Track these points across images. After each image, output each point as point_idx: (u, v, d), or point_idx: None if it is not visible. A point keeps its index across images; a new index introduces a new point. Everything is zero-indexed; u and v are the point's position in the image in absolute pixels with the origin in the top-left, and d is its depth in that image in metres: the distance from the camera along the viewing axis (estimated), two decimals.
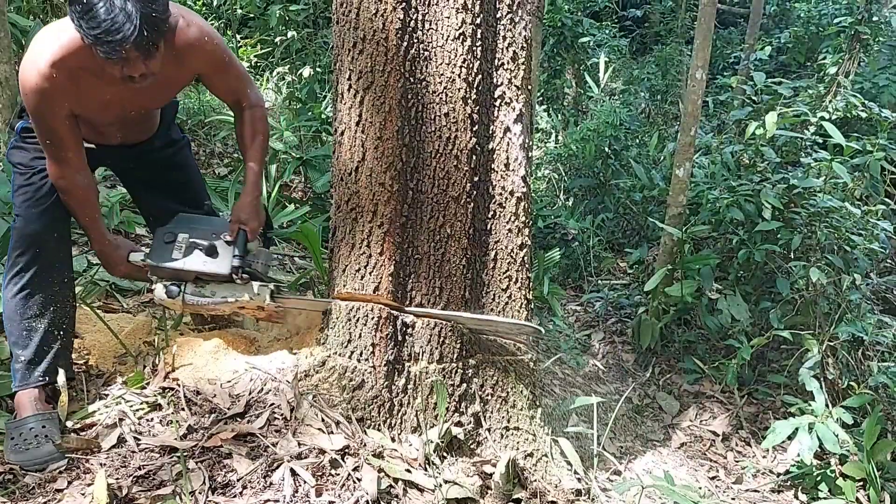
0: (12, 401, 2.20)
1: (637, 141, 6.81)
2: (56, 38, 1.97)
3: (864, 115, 4.04)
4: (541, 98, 8.34)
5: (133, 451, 2.07)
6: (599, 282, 5.45)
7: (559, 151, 6.74)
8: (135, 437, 2.12)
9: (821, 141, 4.23)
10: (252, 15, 7.06)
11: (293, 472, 2.03)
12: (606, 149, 6.28)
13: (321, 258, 3.02)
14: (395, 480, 2.17)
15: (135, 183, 2.58)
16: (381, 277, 2.25)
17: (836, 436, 2.93)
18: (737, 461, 3.40)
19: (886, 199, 4.12)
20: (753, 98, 4.55)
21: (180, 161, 2.53)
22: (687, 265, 3.91)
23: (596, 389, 3.89)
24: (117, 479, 1.97)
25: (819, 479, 3.05)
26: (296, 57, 6.19)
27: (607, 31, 8.73)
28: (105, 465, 2.03)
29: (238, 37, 7.40)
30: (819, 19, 9.43)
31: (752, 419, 3.71)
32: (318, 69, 5.37)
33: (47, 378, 2.17)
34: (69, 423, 2.17)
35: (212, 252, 2.23)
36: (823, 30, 8.62)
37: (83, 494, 1.91)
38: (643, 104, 8.73)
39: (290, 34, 5.83)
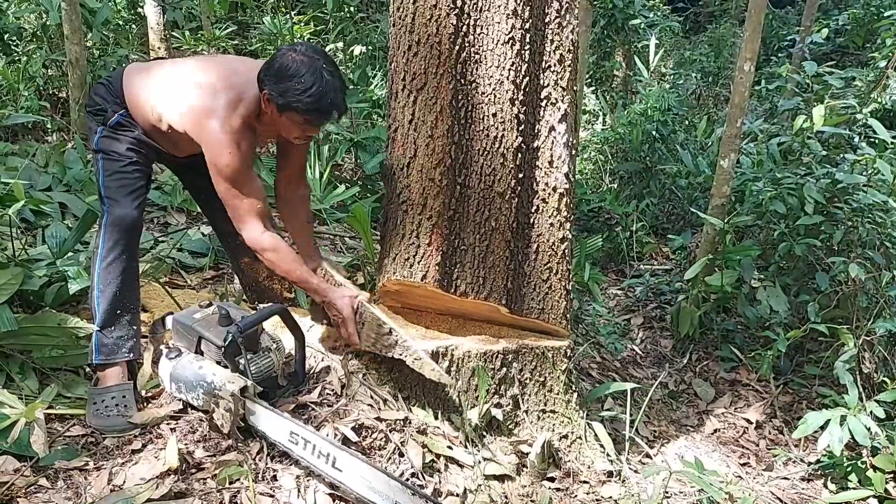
0: (91, 370, 2.41)
1: (685, 124, 6.80)
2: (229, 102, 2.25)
3: None
4: (589, 80, 8.34)
5: (200, 419, 2.27)
6: (641, 267, 5.52)
7: (606, 135, 6.77)
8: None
9: (868, 133, 4.21)
10: None
11: (346, 441, 2.20)
12: (654, 133, 6.30)
13: (371, 241, 3.17)
14: (438, 456, 2.33)
15: (191, 186, 2.81)
16: (429, 267, 2.39)
17: (868, 429, 2.99)
18: (769, 449, 3.48)
19: None
20: (803, 87, 4.55)
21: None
22: (728, 255, 3.97)
23: (633, 374, 4.00)
24: (186, 444, 2.17)
25: (849, 469, 3.12)
26: (348, 38, 6.33)
27: (659, 12, 8.63)
28: (174, 430, 2.24)
29: (292, 13, 7.55)
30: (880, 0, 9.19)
31: (787, 409, 3.78)
32: (371, 52, 5.50)
33: (131, 355, 2.36)
34: (142, 393, 2.37)
35: None
36: (883, 11, 8.39)
37: (156, 457, 2.11)
38: (694, 86, 8.67)
39: (344, 12, 5.95)
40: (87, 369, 2.43)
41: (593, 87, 8.25)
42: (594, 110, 8.01)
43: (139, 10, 7.35)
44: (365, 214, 3.01)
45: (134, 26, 7.32)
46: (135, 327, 2.37)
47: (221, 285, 3.25)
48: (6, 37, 5.07)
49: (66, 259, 2.60)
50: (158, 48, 6.84)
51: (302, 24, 7.52)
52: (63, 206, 3.58)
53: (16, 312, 2.39)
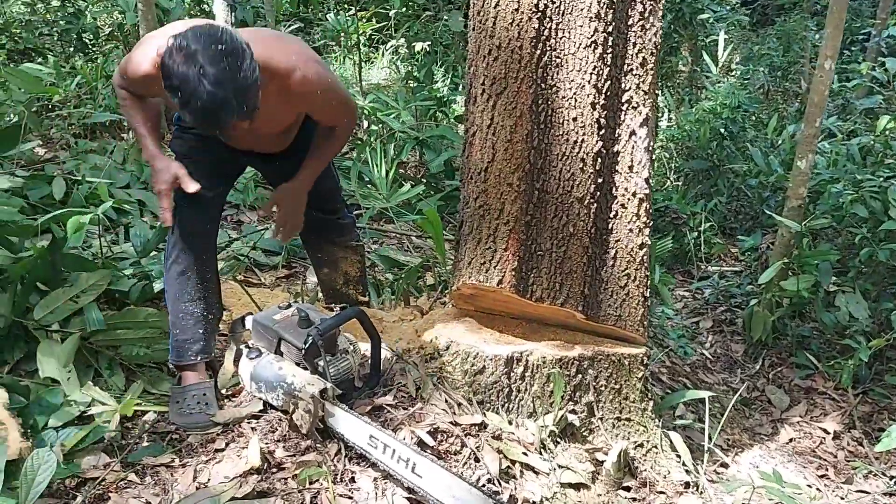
0: (173, 366, 2.47)
1: (754, 120, 6.62)
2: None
3: None
4: None
5: (280, 418, 2.31)
6: (709, 268, 5.40)
7: (672, 132, 6.65)
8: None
9: None
10: None
11: (422, 445, 2.20)
12: (722, 130, 6.15)
13: (442, 242, 3.17)
14: (513, 462, 2.32)
15: (274, 185, 2.74)
16: (505, 272, 2.38)
17: None
18: (847, 461, 3.37)
19: None
20: (882, 84, 4.39)
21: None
22: (805, 259, 3.86)
23: (703, 379, 3.92)
24: (266, 443, 2.21)
25: None
26: (411, 35, 6.34)
27: (728, 6, 8.41)
28: (255, 430, 2.28)
29: (355, 9, 7.61)
30: None
31: (866, 419, 3.66)
32: (435, 49, 5.50)
33: (199, 358, 2.39)
34: (223, 391, 2.43)
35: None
36: None
37: (239, 456, 2.15)
38: (762, 81, 8.43)
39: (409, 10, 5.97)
40: (171, 366, 2.49)
41: (658, 84, 8.10)
42: (659, 107, 7.86)
43: (204, 6, 7.50)
44: (437, 217, 3.02)
45: None
46: (200, 330, 2.40)
47: (294, 283, 3.30)
48: (84, 36, 5.23)
49: (149, 258, 2.67)
50: None
51: (364, 20, 7.57)
52: (141, 204, 3.67)
53: (102, 310, 2.46)
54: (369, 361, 2.46)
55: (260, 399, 2.35)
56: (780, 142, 6.24)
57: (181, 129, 2.45)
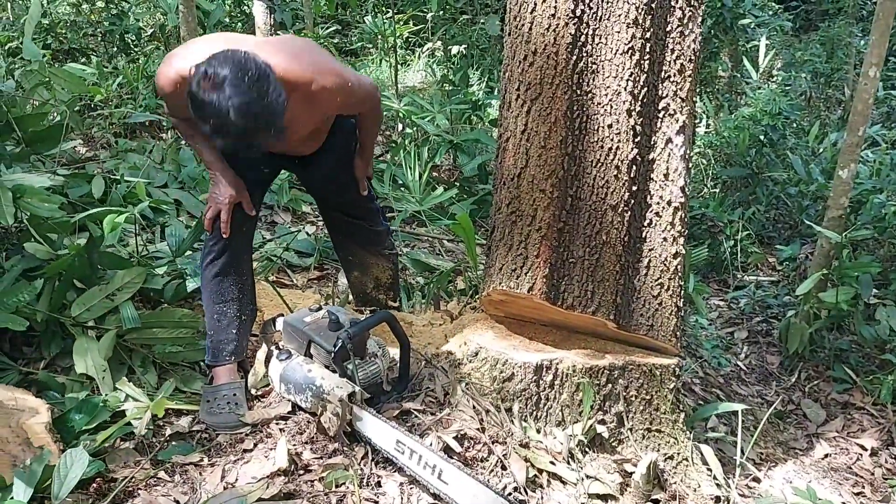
0: (205, 366, 2.50)
1: (795, 128, 6.50)
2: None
3: None
4: None
5: (308, 420, 2.32)
6: (746, 278, 5.31)
7: (710, 138, 6.55)
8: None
9: None
10: None
11: (449, 451, 2.20)
12: (762, 137, 6.05)
13: (474, 248, 3.16)
14: (540, 471, 2.30)
15: (308, 187, 2.84)
16: (536, 279, 2.36)
17: None
18: (885, 479, 3.29)
19: None
20: None
21: (343, 180, 2.65)
22: (845, 271, 3.77)
23: (737, 391, 3.86)
24: (294, 444, 2.22)
25: None
26: (448, 38, 6.34)
27: (770, 11, 8.27)
28: (283, 431, 2.29)
29: (393, 12, 7.64)
30: None
31: None
32: (471, 53, 5.49)
33: (233, 358, 2.41)
34: (253, 391, 2.44)
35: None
36: None
37: (266, 457, 2.17)
38: (804, 87, 8.28)
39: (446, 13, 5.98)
40: (203, 365, 2.52)
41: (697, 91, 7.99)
42: (697, 113, 7.76)
43: (244, 8, 7.59)
44: (469, 222, 3.01)
45: (240, 24, 7.56)
46: (234, 331, 2.42)
47: (326, 285, 3.32)
48: (127, 37, 5.32)
49: (184, 258, 2.70)
50: None
51: (401, 22, 7.60)
52: (178, 203, 3.72)
53: (137, 308, 2.49)
54: (398, 365, 2.46)
55: (289, 400, 2.36)
56: (821, 150, 6.11)
57: None
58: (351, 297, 3.01)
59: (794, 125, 6.51)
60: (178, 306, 2.66)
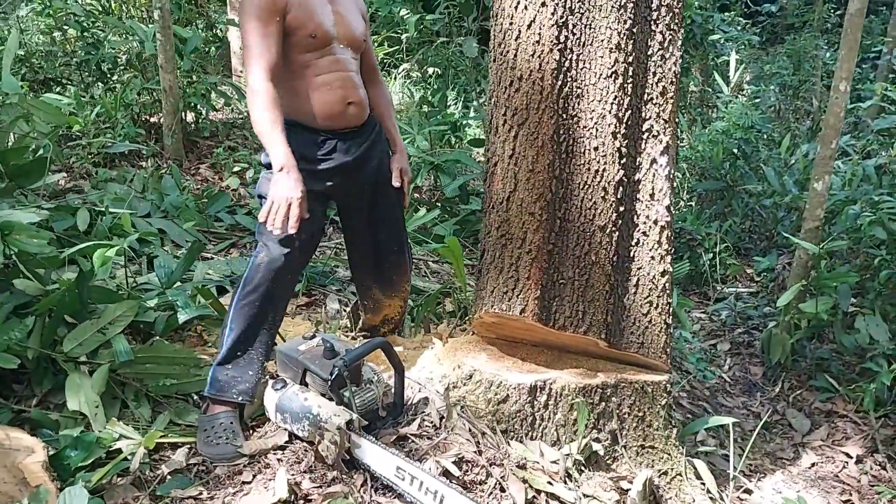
0: (202, 399, 2.47)
1: (766, 139, 6.63)
2: None
3: None
4: None
5: (305, 448, 2.32)
6: (725, 290, 5.39)
7: (685, 153, 6.66)
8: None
9: None
10: (380, 12, 7.32)
11: (447, 475, 2.20)
12: (735, 150, 6.16)
13: (463, 270, 3.18)
14: (538, 492, 2.31)
15: (350, 214, 2.71)
16: (528, 300, 2.39)
17: None
18: (871, 486, 3.34)
19: None
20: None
21: (383, 181, 2.66)
22: (823, 281, 3.85)
23: (723, 403, 3.91)
24: (293, 474, 2.21)
25: None
26: (424, 60, 6.39)
27: (739, 26, 8.45)
28: (282, 461, 2.29)
29: None
30: None
31: (889, 442, 3.63)
32: (448, 74, 5.55)
33: (241, 398, 2.38)
34: (248, 421, 2.44)
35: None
36: None
37: (266, 488, 2.16)
38: (773, 100, 8.45)
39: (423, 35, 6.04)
40: (196, 397, 2.51)
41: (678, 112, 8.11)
42: (678, 135, 7.88)
43: (217, 32, 7.59)
44: (458, 246, 3.03)
45: (214, 48, 7.56)
46: (250, 372, 2.39)
47: (316, 311, 3.32)
48: (103, 65, 5.31)
49: (174, 289, 2.69)
50: (240, 72, 7.05)
51: (376, 44, 7.64)
52: (162, 233, 3.71)
53: (129, 342, 2.48)
54: (392, 391, 2.47)
55: (285, 430, 2.36)
56: (793, 161, 6.24)
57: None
58: (342, 321, 3.01)
59: (766, 137, 6.64)
60: (168, 338, 2.65)
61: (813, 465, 3.47)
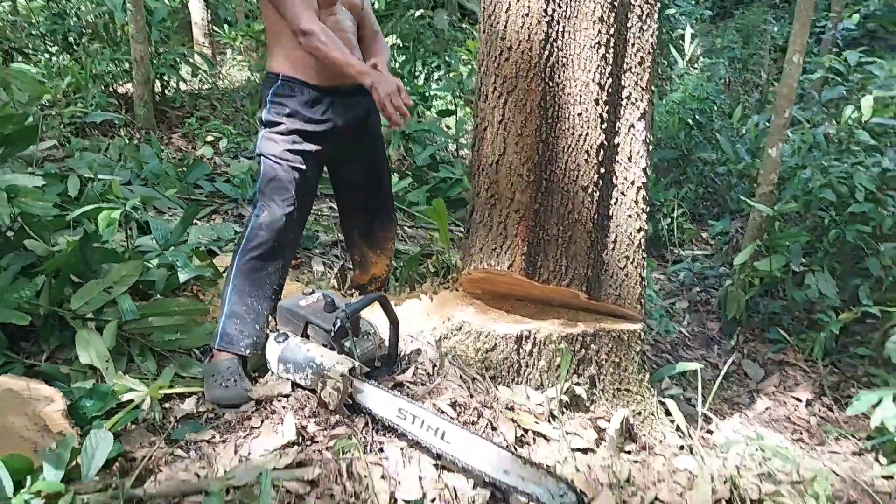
0: (211, 351, 2.59)
1: (718, 110, 6.91)
2: None
3: None
4: None
5: (307, 396, 2.46)
6: (682, 252, 5.67)
7: None
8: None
9: None
10: None
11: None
12: (690, 121, 6.42)
13: (446, 231, 3.34)
14: (526, 431, 2.51)
15: (344, 174, 2.84)
16: (515, 256, 2.56)
17: None
18: (819, 426, 3.64)
19: None
20: (843, 76, 4.68)
21: (379, 143, 2.79)
22: (776, 241, 4.12)
23: (683, 356, 4.17)
24: (299, 419, 2.36)
25: None
26: (394, 33, 6.46)
27: (692, 1, 8.70)
28: (287, 407, 2.43)
29: None
30: None
31: (835, 387, 3.94)
32: (418, 47, 5.65)
33: (248, 351, 2.50)
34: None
35: None
36: None
37: (275, 431, 2.31)
38: (723, 72, 8.76)
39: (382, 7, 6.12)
40: (199, 352, 2.62)
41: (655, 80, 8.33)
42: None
43: (175, 3, 7.52)
44: (444, 208, 3.19)
45: (174, 22, 7.50)
46: (257, 326, 2.50)
47: (302, 273, 3.45)
48: (69, 35, 5.26)
49: (172, 251, 2.79)
50: (203, 43, 7.03)
51: None
52: (143, 200, 3.77)
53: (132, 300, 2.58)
54: (386, 343, 2.63)
55: (288, 380, 2.50)
56: (744, 131, 6.54)
57: (270, 131, 2.53)
58: (333, 282, 3.15)
59: (719, 109, 6.93)
60: (168, 297, 2.75)
61: (767, 409, 3.76)
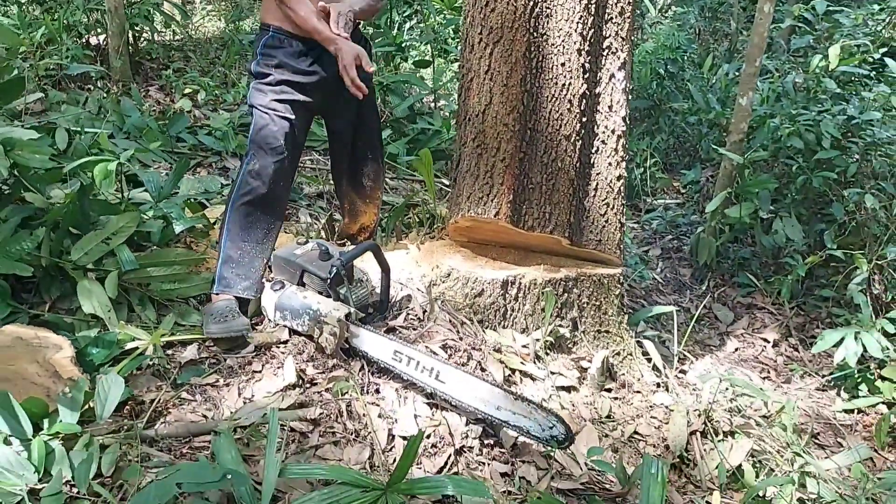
0: (198, 301, 2.68)
1: (689, 60, 7.00)
2: None
3: None
4: None
5: (304, 342, 2.56)
6: (655, 202, 5.82)
7: None
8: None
9: (882, 66, 4.46)
10: None
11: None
12: (662, 71, 6.51)
13: (433, 182, 3.42)
14: (513, 371, 2.65)
15: (335, 122, 2.91)
16: (501, 204, 2.66)
17: (879, 343, 3.34)
18: (786, 364, 3.84)
19: None
20: (811, 25, 4.80)
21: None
22: (746, 188, 4.27)
23: (657, 301, 4.33)
24: (298, 363, 2.47)
25: (860, 380, 3.49)
26: None
27: None
28: (285, 353, 2.53)
29: None
30: None
31: (800, 329, 4.14)
32: None
33: (246, 293, 2.59)
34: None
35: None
36: None
37: (276, 375, 2.41)
38: (693, 21, 8.83)
39: None
40: (196, 301, 2.70)
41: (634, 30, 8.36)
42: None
43: None
44: (430, 158, 3.26)
45: None
46: (253, 269, 2.59)
47: (291, 225, 3.51)
48: None
49: (167, 202, 2.84)
50: None
51: None
52: (138, 152, 3.78)
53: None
54: (378, 291, 2.73)
55: (285, 327, 2.60)
56: (714, 80, 6.65)
57: (259, 82, 2.60)
58: (323, 233, 3.23)
59: (689, 58, 7.01)
60: (167, 247, 2.81)
61: (736, 349, 3.95)
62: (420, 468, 2.18)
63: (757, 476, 2.57)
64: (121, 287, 2.58)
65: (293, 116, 2.59)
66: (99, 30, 5.17)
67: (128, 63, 4.85)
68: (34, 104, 3.86)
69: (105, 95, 4.28)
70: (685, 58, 6.71)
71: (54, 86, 4.60)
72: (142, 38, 5.53)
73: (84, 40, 5.15)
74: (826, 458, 2.94)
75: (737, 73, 5.96)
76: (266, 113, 2.57)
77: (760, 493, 2.44)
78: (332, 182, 3.23)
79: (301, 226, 3.51)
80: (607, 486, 2.33)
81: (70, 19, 4.79)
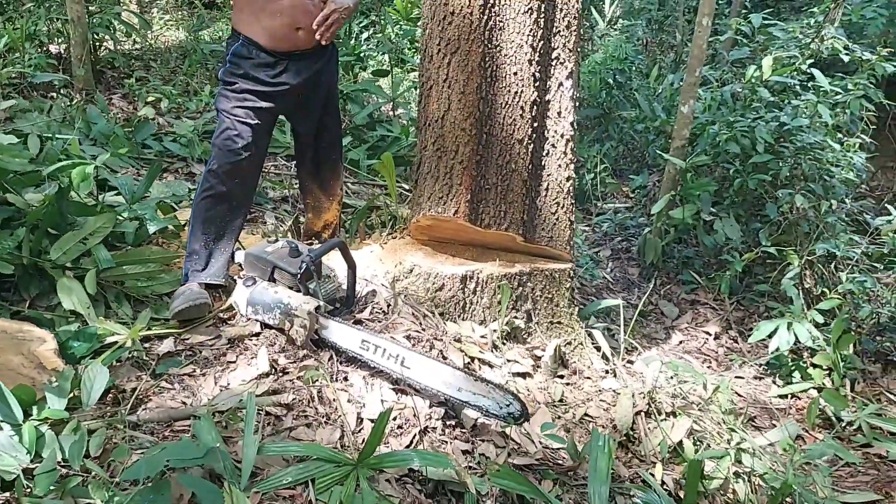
0: (171, 297, 2.80)
1: (636, 70, 7.32)
2: None
3: (846, 58, 4.59)
4: None
5: (276, 335, 2.71)
6: (604, 206, 6.09)
7: None
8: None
9: (811, 76, 4.78)
10: None
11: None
12: (610, 80, 6.80)
13: (395, 185, 3.60)
14: (472, 359, 2.83)
15: (299, 126, 3.10)
16: (460, 203, 2.86)
17: (810, 332, 3.62)
18: (726, 355, 4.11)
19: (863, 135, 4.73)
20: (749, 38, 5.12)
21: (332, 101, 3.04)
22: (689, 191, 4.54)
23: (607, 298, 4.57)
24: (270, 354, 2.61)
25: (793, 368, 3.76)
26: None
27: None
28: (257, 345, 2.68)
29: None
30: None
31: (740, 322, 4.42)
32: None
33: (210, 279, 2.75)
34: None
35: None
36: None
37: (250, 364, 2.56)
38: (641, 33, 9.19)
39: None
40: (168, 298, 2.83)
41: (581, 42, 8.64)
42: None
43: None
44: (392, 162, 3.44)
45: None
46: (213, 259, 2.76)
47: (258, 226, 3.65)
48: None
49: (141, 204, 2.97)
50: (130, 2, 6.98)
51: None
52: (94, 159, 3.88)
53: None
54: (344, 286, 2.89)
55: (256, 321, 2.74)
56: (660, 90, 6.97)
57: (225, 88, 2.76)
58: (289, 234, 3.38)
59: (637, 69, 7.33)
60: (136, 248, 2.93)
61: (681, 342, 4.20)
62: (388, 447, 2.35)
63: (696, 452, 2.79)
64: (98, 285, 2.70)
65: (255, 121, 2.76)
66: (59, 39, 5.23)
67: (90, 72, 4.93)
68: (2, 112, 3.93)
69: (70, 103, 4.35)
70: (633, 68, 7.02)
71: (18, 94, 4.66)
72: (103, 48, 5.60)
73: (45, 49, 5.21)
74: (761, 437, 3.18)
75: (681, 83, 6.27)
76: (228, 118, 2.74)
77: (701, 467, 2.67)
78: (296, 185, 3.39)
79: (268, 227, 3.65)
80: (559, 462, 2.53)
81: (31, 29, 4.85)
